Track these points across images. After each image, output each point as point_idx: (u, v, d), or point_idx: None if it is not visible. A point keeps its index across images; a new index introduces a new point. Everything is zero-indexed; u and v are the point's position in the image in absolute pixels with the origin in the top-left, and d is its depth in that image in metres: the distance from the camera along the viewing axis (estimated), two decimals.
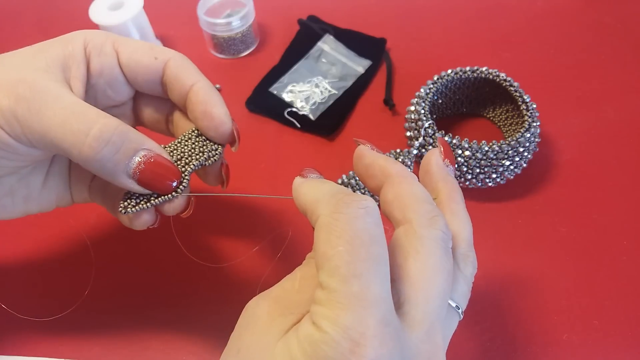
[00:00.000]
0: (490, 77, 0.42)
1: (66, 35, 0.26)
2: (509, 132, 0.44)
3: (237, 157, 0.44)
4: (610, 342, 0.34)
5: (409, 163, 0.39)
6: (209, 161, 0.28)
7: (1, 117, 0.23)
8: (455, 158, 0.38)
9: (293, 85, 0.49)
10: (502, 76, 0.42)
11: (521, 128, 0.39)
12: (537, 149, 0.41)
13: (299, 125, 0.46)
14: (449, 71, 0.43)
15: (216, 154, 0.28)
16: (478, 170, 0.38)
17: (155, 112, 0.31)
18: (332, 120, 0.47)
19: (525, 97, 0.41)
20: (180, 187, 0.27)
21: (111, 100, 0.29)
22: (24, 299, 0.37)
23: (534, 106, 0.40)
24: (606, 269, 0.37)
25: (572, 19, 0.55)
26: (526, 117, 0.40)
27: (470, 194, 0.42)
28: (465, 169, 0.38)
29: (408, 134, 0.41)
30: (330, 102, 0.48)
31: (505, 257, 0.38)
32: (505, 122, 0.45)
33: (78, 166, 0.30)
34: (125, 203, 0.26)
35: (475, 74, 0.42)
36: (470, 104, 0.46)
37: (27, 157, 0.25)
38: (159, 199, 0.26)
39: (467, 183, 0.39)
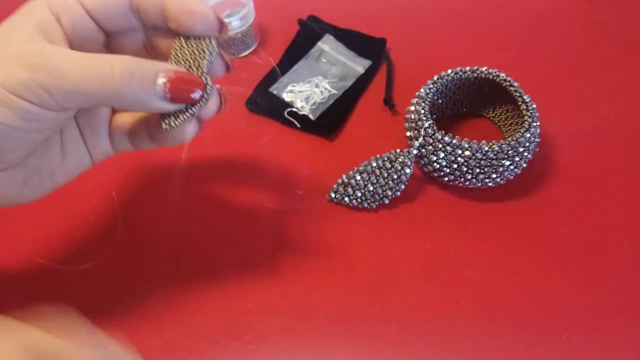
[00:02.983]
0: (490, 77, 0.42)
1: (25, 7, 0.26)
2: (509, 132, 0.44)
3: (238, 157, 0.45)
4: (610, 342, 0.34)
5: (409, 163, 0.39)
6: (213, 55, 0.28)
7: (26, 91, 0.23)
8: (455, 158, 0.38)
9: (293, 85, 0.49)
10: (502, 76, 0.42)
11: (521, 128, 0.39)
12: (537, 149, 0.41)
13: (299, 125, 0.46)
14: (449, 71, 0.43)
15: (212, 45, 0.28)
16: (478, 170, 0.38)
17: (132, 47, 0.30)
18: (332, 120, 0.47)
19: (525, 97, 0.41)
20: (207, 89, 0.27)
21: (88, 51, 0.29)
22: None
23: (534, 106, 0.40)
24: (606, 269, 0.37)
25: (572, 19, 0.55)
26: (526, 117, 0.40)
27: (470, 194, 0.42)
28: (465, 169, 0.38)
29: (408, 134, 0.41)
30: (330, 102, 0.48)
31: (505, 257, 0.38)
32: (505, 122, 0.45)
33: (89, 124, 0.31)
34: (167, 120, 0.27)
35: (475, 74, 0.42)
36: (470, 104, 0.46)
37: (55, 123, 0.26)
38: (195, 107, 0.27)
39: (467, 183, 0.39)
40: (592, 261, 0.38)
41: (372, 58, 0.51)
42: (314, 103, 0.48)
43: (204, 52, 0.28)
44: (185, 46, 0.28)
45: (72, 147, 0.30)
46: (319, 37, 0.53)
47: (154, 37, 0.30)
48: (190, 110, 0.27)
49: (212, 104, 0.28)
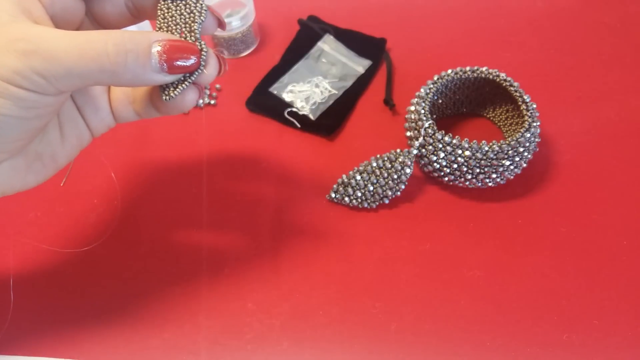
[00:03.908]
0: (490, 77, 0.42)
1: None
2: (509, 132, 0.44)
3: (238, 157, 0.45)
4: (610, 342, 0.34)
5: (409, 163, 0.39)
6: (203, 16, 0.28)
7: (22, 79, 0.23)
8: (455, 158, 0.38)
9: (293, 85, 0.49)
10: (502, 76, 0.42)
11: (521, 128, 0.39)
12: (537, 149, 0.41)
13: (299, 125, 0.46)
14: (449, 71, 0.43)
15: (200, 4, 0.28)
16: (478, 170, 0.38)
17: (114, 11, 0.30)
18: (332, 120, 0.47)
19: (525, 97, 0.41)
20: (203, 55, 0.27)
21: (71, 26, 0.28)
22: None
23: (534, 106, 0.40)
24: (606, 269, 0.37)
25: (572, 19, 0.54)
26: (526, 117, 0.40)
27: (470, 194, 0.42)
28: (465, 169, 0.38)
29: (408, 134, 0.41)
30: (330, 102, 0.48)
31: (505, 257, 0.38)
32: (505, 122, 0.45)
33: (88, 100, 0.30)
34: (167, 91, 0.27)
35: (475, 74, 0.42)
36: (470, 104, 0.46)
37: (54, 107, 0.25)
38: (193, 75, 0.27)
39: (467, 183, 0.39)
40: (592, 261, 0.38)
41: (372, 58, 0.51)
42: (314, 103, 0.48)
43: (193, 13, 0.27)
44: (172, 7, 0.27)
45: (70, 127, 0.30)
46: (319, 37, 0.53)
47: None
48: (188, 80, 0.27)
49: (211, 69, 0.28)
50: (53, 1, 0.26)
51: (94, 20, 0.30)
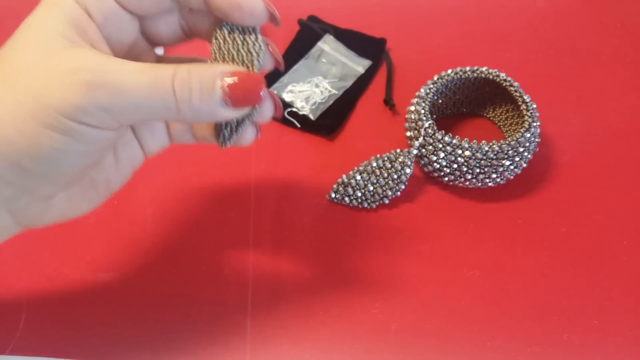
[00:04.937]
0: (490, 77, 0.42)
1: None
2: (509, 132, 0.44)
3: (238, 157, 0.45)
4: (610, 342, 0.34)
5: (409, 163, 0.39)
6: (261, 55, 0.26)
7: (85, 115, 0.21)
8: (455, 158, 0.38)
9: (293, 85, 0.49)
10: (502, 76, 0.42)
11: (521, 128, 0.39)
12: (537, 149, 0.41)
13: (299, 125, 0.46)
14: (449, 71, 0.43)
15: (259, 44, 0.26)
16: (478, 170, 0.38)
17: (168, 30, 0.28)
18: (332, 120, 0.47)
19: (525, 97, 0.41)
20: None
21: (124, 45, 0.26)
22: None
23: (534, 106, 0.40)
24: (606, 269, 0.37)
25: (572, 19, 0.55)
26: (526, 117, 0.40)
27: (470, 194, 0.42)
28: (465, 169, 0.38)
29: (408, 134, 0.41)
30: (330, 102, 0.48)
31: (505, 257, 0.38)
32: (505, 122, 0.45)
33: (147, 123, 0.29)
34: (223, 135, 0.26)
35: (475, 74, 0.43)
36: (470, 104, 0.46)
37: (115, 139, 0.25)
38: (252, 111, 0.26)
39: (467, 183, 0.39)
40: (592, 261, 0.38)
41: (372, 58, 0.51)
42: (314, 103, 0.48)
43: (251, 52, 0.26)
44: (228, 40, 0.26)
45: (125, 151, 0.29)
46: (319, 37, 0.53)
47: (192, 20, 0.28)
48: (246, 118, 0.26)
49: (268, 105, 0.27)
50: (106, 21, 0.24)
51: (146, 37, 0.28)
